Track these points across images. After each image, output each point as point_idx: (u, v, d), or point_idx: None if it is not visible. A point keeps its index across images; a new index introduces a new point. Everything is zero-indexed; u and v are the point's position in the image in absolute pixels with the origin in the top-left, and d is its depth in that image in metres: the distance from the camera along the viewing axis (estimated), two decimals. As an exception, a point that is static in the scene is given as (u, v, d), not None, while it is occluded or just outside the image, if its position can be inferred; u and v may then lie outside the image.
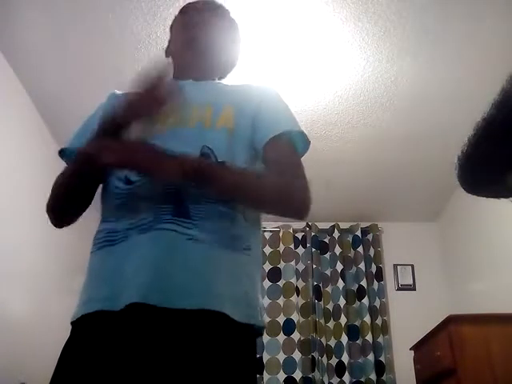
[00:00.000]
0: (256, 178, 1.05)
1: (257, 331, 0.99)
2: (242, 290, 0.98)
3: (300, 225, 4.06)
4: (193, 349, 0.87)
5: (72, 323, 0.99)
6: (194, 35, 1.22)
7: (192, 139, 1.06)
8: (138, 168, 0.97)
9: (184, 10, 1.29)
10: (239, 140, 1.09)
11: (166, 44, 1.37)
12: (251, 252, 1.03)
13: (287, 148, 1.11)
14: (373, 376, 3.61)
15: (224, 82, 1.26)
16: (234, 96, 1.16)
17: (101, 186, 1.13)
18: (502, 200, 0.93)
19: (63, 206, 1.13)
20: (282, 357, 3.67)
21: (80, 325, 0.97)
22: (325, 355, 3.69)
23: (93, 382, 0.88)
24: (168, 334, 0.88)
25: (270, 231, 4.02)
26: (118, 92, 1.26)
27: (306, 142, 1.15)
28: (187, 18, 1.25)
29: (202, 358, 0.87)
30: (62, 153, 1.20)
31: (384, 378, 3.64)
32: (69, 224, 1.16)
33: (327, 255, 4.07)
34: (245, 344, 0.96)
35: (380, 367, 3.67)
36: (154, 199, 0.98)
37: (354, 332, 3.79)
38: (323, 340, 3.73)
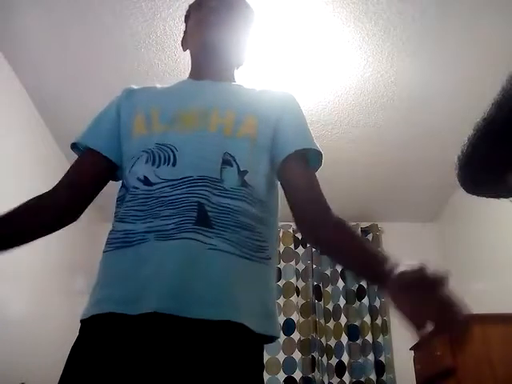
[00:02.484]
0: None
1: (270, 340, 0.99)
2: (260, 301, 0.97)
3: (300, 225, 4.05)
4: (208, 358, 0.87)
5: (82, 321, 0.98)
6: (209, 38, 1.19)
7: (213, 143, 1.04)
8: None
9: (199, 5, 1.25)
10: (261, 150, 1.08)
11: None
12: (270, 261, 1.03)
13: (307, 171, 1.10)
14: (373, 376, 3.61)
15: (242, 83, 1.24)
16: (257, 104, 1.14)
17: (117, 182, 1.13)
18: (502, 200, 0.93)
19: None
20: (281, 357, 3.67)
21: (91, 325, 0.95)
22: (325, 355, 3.69)
23: None
24: (184, 343, 0.87)
25: (270, 231, 4.02)
26: (134, 87, 1.23)
27: (319, 161, 1.14)
28: (202, 16, 1.22)
29: (216, 367, 0.87)
30: (74, 146, 1.18)
31: (384, 377, 3.64)
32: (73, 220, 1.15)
33: (327, 255, 4.06)
34: (257, 353, 0.95)
35: (380, 367, 3.67)
36: (176, 206, 0.97)
37: (353, 332, 3.79)
38: (323, 340, 3.73)
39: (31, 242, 1.11)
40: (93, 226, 3.34)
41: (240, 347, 0.90)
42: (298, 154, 1.09)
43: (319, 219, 1.05)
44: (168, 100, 1.15)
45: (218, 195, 0.98)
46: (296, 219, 1.07)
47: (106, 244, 1.03)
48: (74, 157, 1.19)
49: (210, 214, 0.96)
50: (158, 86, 1.25)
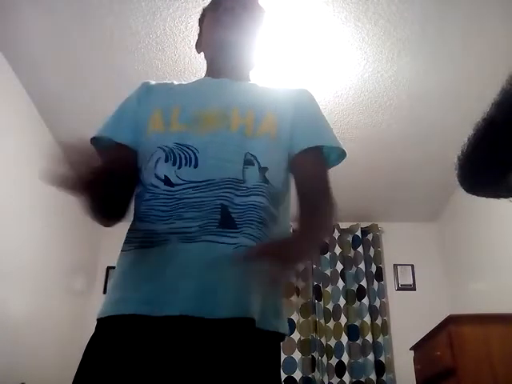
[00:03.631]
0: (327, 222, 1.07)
1: (281, 337, 1.01)
2: (275, 297, 0.99)
3: (300, 225, 4.06)
4: (227, 358, 0.88)
5: (99, 320, 0.97)
6: (224, 37, 1.20)
7: (235, 144, 1.04)
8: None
9: (214, 6, 1.25)
10: (281, 147, 1.09)
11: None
12: None
13: (319, 163, 1.12)
14: (373, 376, 3.61)
15: (258, 81, 1.25)
16: (275, 101, 1.15)
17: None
18: (502, 200, 0.93)
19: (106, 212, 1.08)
20: (282, 357, 3.64)
21: (110, 324, 0.94)
22: (325, 355, 3.69)
23: None
24: (210, 344, 0.88)
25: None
26: (152, 82, 1.23)
27: (339, 155, 1.16)
28: (217, 16, 1.22)
29: (240, 366, 0.88)
30: (94, 141, 1.15)
31: (384, 377, 3.64)
32: (118, 221, 1.10)
33: (327, 255, 4.06)
34: (273, 351, 0.98)
35: (380, 367, 3.67)
36: (199, 208, 0.97)
37: (354, 332, 3.79)
38: (323, 340, 3.73)
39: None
40: (93, 226, 3.34)
41: (261, 345, 0.92)
42: (311, 150, 1.10)
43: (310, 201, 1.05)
44: (188, 99, 1.15)
45: (241, 195, 0.99)
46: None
47: (125, 243, 1.02)
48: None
49: (233, 215, 0.97)
50: (175, 82, 1.24)
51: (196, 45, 1.32)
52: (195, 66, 2.57)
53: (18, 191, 2.74)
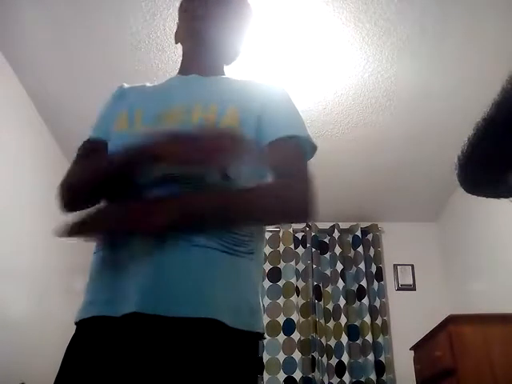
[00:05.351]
0: (243, 194, 0.98)
1: (257, 336, 0.98)
2: (243, 297, 0.96)
3: (300, 225, 4.06)
4: (190, 358, 0.86)
5: (76, 323, 0.99)
6: (197, 30, 1.18)
7: None
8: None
9: None
10: None
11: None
12: (254, 256, 1.01)
13: (292, 150, 1.06)
14: (373, 376, 3.61)
15: (230, 75, 1.22)
16: (241, 95, 1.11)
17: None
18: (502, 200, 0.93)
19: (82, 195, 1.08)
20: (282, 357, 3.67)
21: (82, 328, 0.96)
22: (325, 355, 3.69)
23: None
24: (167, 343, 0.87)
25: (270, 231, 4.02)
26: (125, 86, 1.23)
27: (312, 148, 1.11)
28: (191, 8, 1.21)
29: (199, 366, 0.86)
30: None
31: (384, 377, 3.64)
32: (78, 210, 1.12)
33: (327, 255, 4.07)
34: (245, 351, 0.94)
35: (380, 367, 3.67)
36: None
37: (354, 332, 3.79)
38: (323, 340, 3.73)
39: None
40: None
41: (221, 345, 0.89)
42: (282, 141, 1.05)
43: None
44: (153, 100, 1.13)
45: (200, 191, 0.97)
46: None
47: (95, 245, 1.03)
48: (74, 156, 1.19)
49: None
50: (148, 84, 1.23)
51: (175, 35, 1.30)
52: (195, 66, 2.57)
53: (18, 191, 2.74)
